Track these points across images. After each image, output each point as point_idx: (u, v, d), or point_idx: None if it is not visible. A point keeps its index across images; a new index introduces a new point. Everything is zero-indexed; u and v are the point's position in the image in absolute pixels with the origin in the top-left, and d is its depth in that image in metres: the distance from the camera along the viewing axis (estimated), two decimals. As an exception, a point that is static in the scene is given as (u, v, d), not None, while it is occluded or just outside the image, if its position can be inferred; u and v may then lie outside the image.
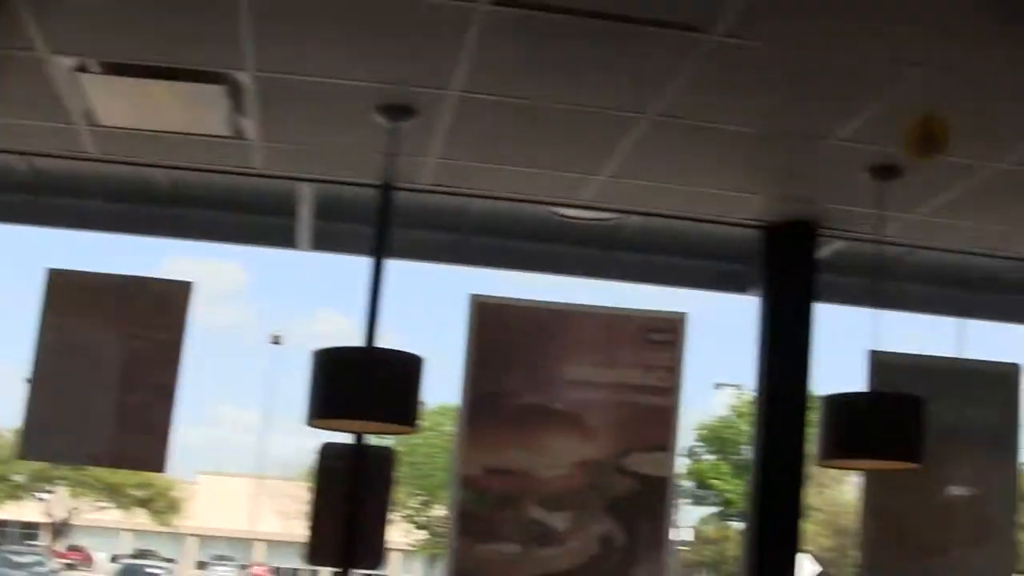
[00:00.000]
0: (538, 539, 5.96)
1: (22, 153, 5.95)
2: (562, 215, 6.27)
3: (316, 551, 5.98)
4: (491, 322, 6.05)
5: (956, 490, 6.61)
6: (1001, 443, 6.69)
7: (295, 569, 42.62)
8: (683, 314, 6.14)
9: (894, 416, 4.97)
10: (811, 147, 5.15)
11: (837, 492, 43.90)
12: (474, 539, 5.94)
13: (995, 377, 6.74)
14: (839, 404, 5.02)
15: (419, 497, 40.91)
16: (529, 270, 6.81)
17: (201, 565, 47.59)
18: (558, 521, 5.96)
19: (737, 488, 41.01)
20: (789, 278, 6.15)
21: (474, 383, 6.00)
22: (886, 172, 5.20)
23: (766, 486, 6.11)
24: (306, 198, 6.18)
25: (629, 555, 6.02)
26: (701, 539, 59.04)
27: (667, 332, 6.12)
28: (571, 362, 6.05)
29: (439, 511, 37.73)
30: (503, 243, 6.55)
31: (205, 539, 49.48)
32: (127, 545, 46.92)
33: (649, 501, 6.07)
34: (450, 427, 5.96)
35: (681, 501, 56.58)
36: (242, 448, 75.85)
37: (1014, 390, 6.73)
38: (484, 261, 6.72)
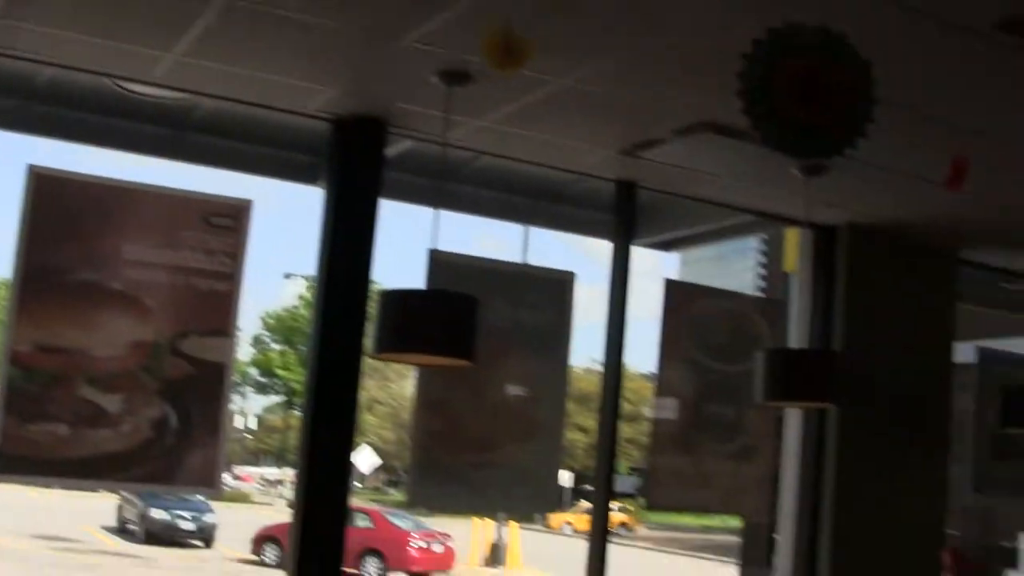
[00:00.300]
0: (89, 420, 5.81)
1: None
2: (131, 91, 6.09)
3: None
4: (50, 195, 5.80)
5: (509, 388, 6.87)
6: (554, 346, 7.01)
7: None
8: (248, 201, 6.09)
9: (447, 313, 5.10)
10: (384, 46, 5.17)
11: (401, 386, 44.94)
12: (22, 418, 5.72)
13: (551, 283, 7.04)
14: (395, 298, 5.11)
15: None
16: (94, 144, 6.58)
17: None
18: (110, 402, 5.84)
19: (302, 378, 41.31)
20: (355, 173, 6.19)
21: (28, 257, 5.74)
22: (456, 77, 5.32)
23: (323, 377, 6.18)
24: None
25: (183, 439, 5.96)
26: (266, 427, 59.39)
27: (230, 217, 6.06)
28: (130, 241, 5.88)
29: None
30: (68, 114, 6.29)
31: None
32: None
33: (205, 386, 6.02)
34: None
35: (247, 390, 56.69)
36: None
37: (568, 296, 7.05)
38: (47, 131, 6.43)
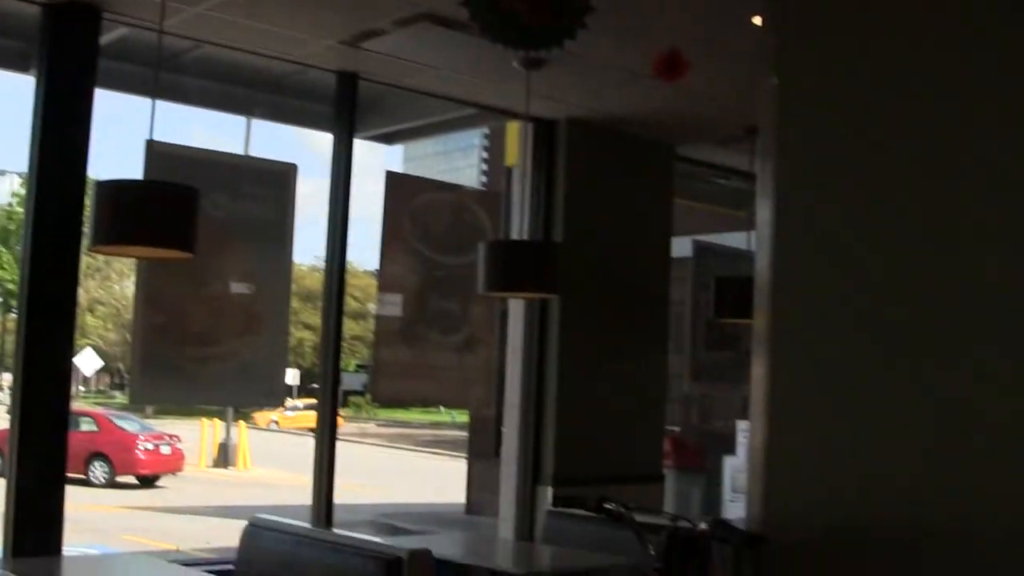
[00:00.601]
0: None
1: None
2: None
3: None
4: None
5: (232, 282, 6.79)
6: (276, 239, 6.94)
7: None
8: (-47, 89, 5.84)
9: (165, 204, 4.97)
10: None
11: (123, 286, 43.84)
12: None
13: (272, 175, 6.96)
14: (111, 190, 4.97)
15: None
16: None
17: None
18: None
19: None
20: (69, 60, 5.95)
21: None
22: (176, -38, 5.19)
23: (39, 276, 5.97)
24: None
25: None
26: (-18, 332, 57.31)
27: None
28: None
29: None
30: None
31: None
32: None
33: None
34: None
35: (-38, 292, 54.59)
36: None
37: (290, 189, 6.98)
38: None
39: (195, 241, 5.01)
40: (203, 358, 6.64)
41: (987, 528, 4.07)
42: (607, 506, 4.87)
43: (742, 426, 11.49)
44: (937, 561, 4.15)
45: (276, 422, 42.85)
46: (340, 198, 7.02)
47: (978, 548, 4.07)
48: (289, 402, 42.29)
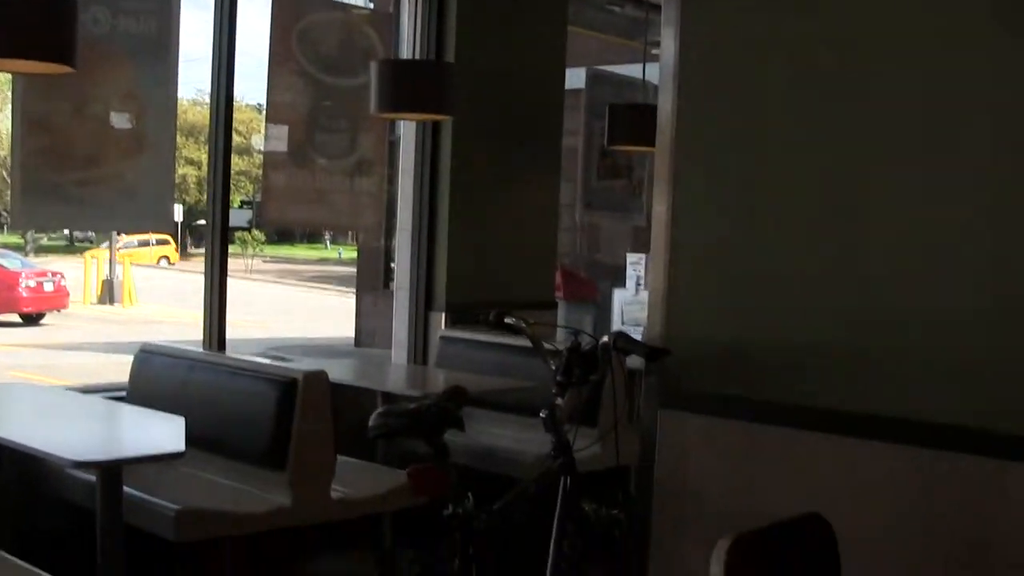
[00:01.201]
0: None
1: None
2: None
3: None
4: None
5: (115, 103, 6.55)
6: (159, 58, 6.67)
7: None
8: None
9: (41, 14, 4.73)
10: None
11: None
12: None
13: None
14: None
15: None
16: None
17: None
18: None
19: None
20: None
21: None
22: None
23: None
24: None
25: None
26: None
27: None
28: None
29: None
30: None
31: None
32: None
33: None
34: None
35: None
36: None
37: (174, 5, 6.69)
38: None
39: (75, 54, 4.81)
40: (87, 181, 6.43)
41: (871, 345, 4.18)
42: (507, 320, 4.84)
43: (632, 258, 11.51)
44: (824, 374, 4.27)
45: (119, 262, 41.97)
46: (226, 17, 6.77)
47: (863, 363, 4.18)
48: (123, 238, 40.86)
